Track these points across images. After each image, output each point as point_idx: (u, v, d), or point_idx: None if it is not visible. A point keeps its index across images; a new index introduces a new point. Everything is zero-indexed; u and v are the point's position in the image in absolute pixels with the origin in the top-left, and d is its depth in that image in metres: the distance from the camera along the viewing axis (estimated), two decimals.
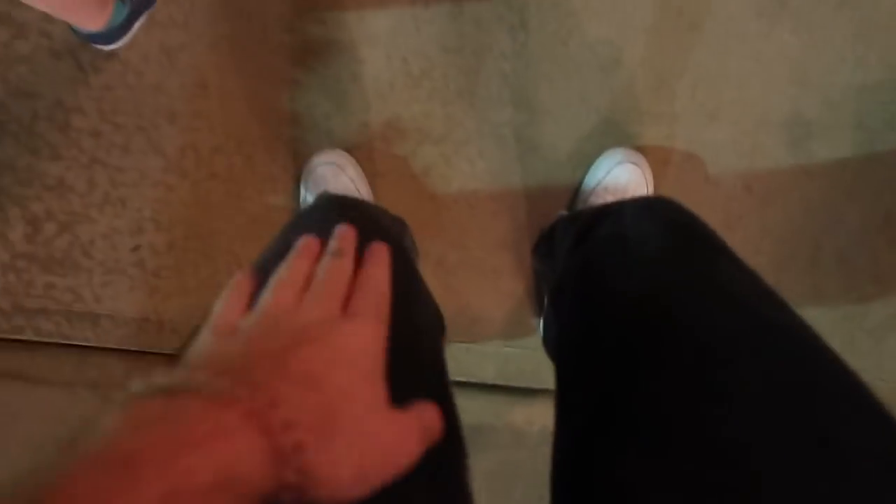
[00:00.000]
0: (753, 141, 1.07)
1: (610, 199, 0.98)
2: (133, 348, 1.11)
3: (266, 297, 0.36)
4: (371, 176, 1.05)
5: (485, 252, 1.08)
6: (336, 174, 0.99)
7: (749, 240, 1.10)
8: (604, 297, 0.53)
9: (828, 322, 1.13)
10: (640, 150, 1.05)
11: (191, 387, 0.26)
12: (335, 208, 0.51)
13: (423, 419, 0.34)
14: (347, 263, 0.41)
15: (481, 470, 1.13)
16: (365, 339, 0.34)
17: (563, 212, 1.02)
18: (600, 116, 1.05)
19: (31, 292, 1.09)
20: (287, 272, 0.39)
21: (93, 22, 0.89)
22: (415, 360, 0.44)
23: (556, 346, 0.65)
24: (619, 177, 1.00)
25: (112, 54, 1.00)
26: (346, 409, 0.30)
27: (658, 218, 0.59)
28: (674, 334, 0.43)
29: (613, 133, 1.05)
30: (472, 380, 1.12)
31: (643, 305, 0.47)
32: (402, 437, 0.32)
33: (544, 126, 1.05)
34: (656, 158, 1.06)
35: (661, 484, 0.36)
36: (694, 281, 0.48)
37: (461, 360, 1.12)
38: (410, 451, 0.33)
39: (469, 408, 1.11)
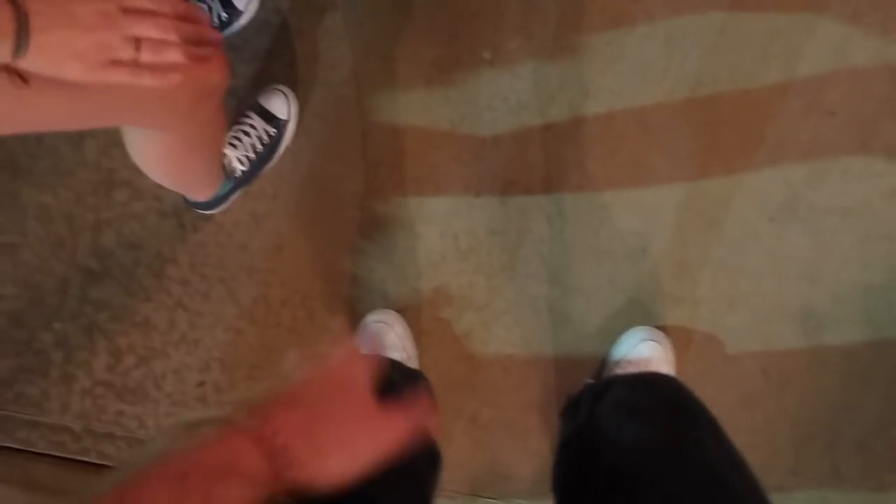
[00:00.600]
0: (769, 328, 1.17)
1: (633, 371, 1.08)
2: None
3: None
4: (417, 334, 1.17)
5: (516, 412, 1.17)
6: (386, 331, 1.12)
7: (767, 420, 1.16)
8: (598, 449, 0.67)
9: None
10: (663, 329, 1.15)
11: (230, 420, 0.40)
12: None
13: (410, 422, 0.45)
14: None
15: None
16: (356, 370, 0.47)
17: (590, 380, 1.11)
18: (626, 297, 1.17)
19: (102, 417, 1.20)
20: None
21: (202, 195, 1.07)
22: None
23: (556, 486, 0.77)
24: (643, 353, 1.10)
25: (210, 217, 1.19)
26: (333, 421, 0.42)
27: (652, 391, 0.75)
28: (647, 485, 0.56)
29: (639, 312, 1.16)
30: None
31: (626, 459, 0.60)
32: (384, 435, 0.44)
33: (576, 302, 1.17)
34: (678, 338, 1.16)
35: None
36: (669, 444, 0.61)
37: None
38: (392, 444, 0.44)
39: None
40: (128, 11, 0.53)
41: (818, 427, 1.17)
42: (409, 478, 0.54)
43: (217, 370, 1.20)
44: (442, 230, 1.18)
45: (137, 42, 0.54)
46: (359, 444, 0.43)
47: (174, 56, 0.57)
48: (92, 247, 1.20)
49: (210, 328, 1.19)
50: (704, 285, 1.17)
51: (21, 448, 1.20)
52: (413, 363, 1.12)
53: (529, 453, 1.17)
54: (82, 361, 1.20)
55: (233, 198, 1.16)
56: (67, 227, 1.20)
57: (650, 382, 0.82)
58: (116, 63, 0.54)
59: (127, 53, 0.54)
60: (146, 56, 0.55)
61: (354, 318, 1.18)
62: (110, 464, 1.20)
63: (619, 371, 1.10)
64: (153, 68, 0.56)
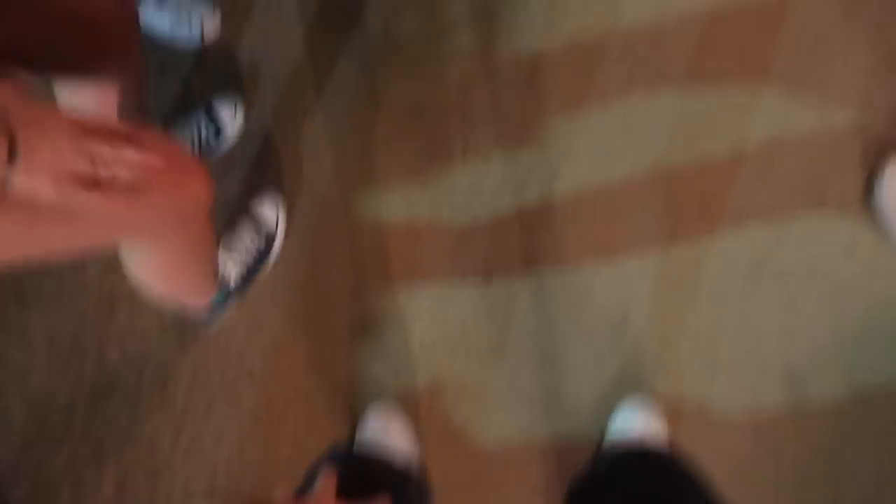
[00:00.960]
0: (754, 390, 1.21)
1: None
2: None
3: None
4: (416, 426, 1.20)
5: (520, 500, 1.19)
6: (385, 427, 1.15)
7: (768, 483, 1.18)
8: None
9: None
10: (655, 399, 1.19)
11: None
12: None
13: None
14: None
15: None
16: None
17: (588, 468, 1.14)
18: (615, 371, 1.21)
19: None
20: None
21: (200, 302, 1.12)
22: None
23: None
24: (636, 428, 1.13)
25: (208, 332, 1.24)
26: None
27: (646, 465, 0.80)
28: None
29: (629, 384, 1.20)
30: None
31: None
32: None
33: (566, 379, 1.21)
34: (668, 408, 1.19)
35: None
36: None
37: None
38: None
39: None
40: (89, 134, 0.60)
41: (819, 487, 1.18)
42: None
43: (223, 476, 1.22)
44: (432, 317, 1.24)
45: (99, 161, 0.61)
46: None
47: (129, 174, 0.63)
48: (97, 365, 1.24)
49: (216, 438, 1.22)
50: (686, 354, 1.22)
51: None
52: (414, 457, 1.15)
53: None
54: (92, 481, 1.22)
55: (229, 307, 1.21)
56: (73, 347, 1.24)
57: (646, 457, 0.88)
58: (80, 181, 0.60)
59: (88, 171, 0.60)
60: (103, 172, 0.61)
61: (354, 415, 1.21)
62: None
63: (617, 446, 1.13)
64: (111, 185, 0.62)
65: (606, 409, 1.19)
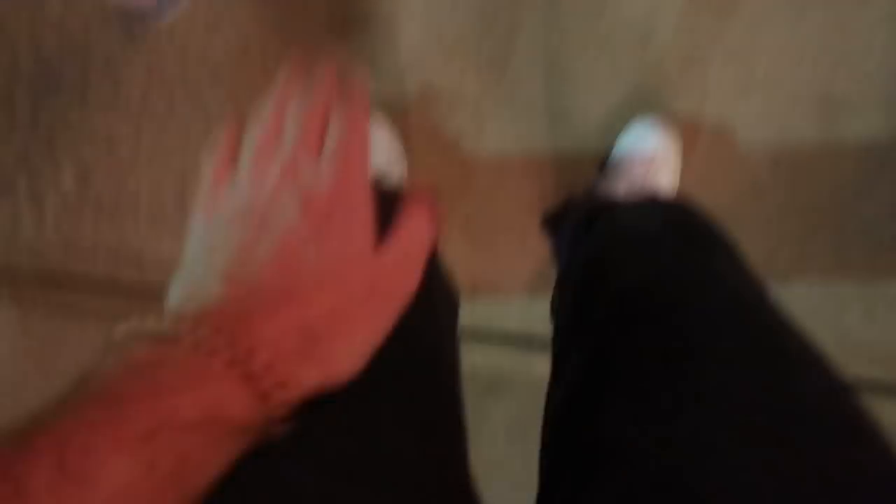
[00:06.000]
0: (783, 117, 1.08)
1: (638, 167, 1.00)
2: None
3: (242, 173, 0.34)
4: (405, 138, 1.08)
5: (512, 213, 1.11)
6: (372, 133, 1.03)
7: (774, 210, 1.11)
8: (602, 281, 0.57)
9: (851, 292, 1.14)
10: (671, 119, 1.06)
11: (172, 335, 0.27)
12: None
13: (411, 237, 0.33)
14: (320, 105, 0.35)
15: (501, 419, 1.16)
16: (341, 199, 0.31)
17: (594, 176, 1.04)
18: (631, 88, 1.07)
19: (81, 233, 1.14)
20: (261, 133, 0.35)
21: None
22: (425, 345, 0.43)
23: (555, 315, 0.69)
24: (648, 146, 1.02)
25: (160, 27, 1.05)
26: (333, 311, 0.29)
27: (659, 215, 0.63)
28: (664, 310, 0.47)
29: (644, 103, 1.07)
30: (497, 331, 1.15)
31: (631, 298, 0.50)
32: (393, 284, 0.32)
33: (574, 95, 1.07)
34: (687, 129, 1.07)
35: (637, 436, 0.38)
36: (686, 273, 0.51)
37: (486, 313, 1.15)
38: (406, 284, 0.32)
39: (491, 358, 1.14)
40: None
41: (826, 216, 1.11)
42: (428, 335, 0.42)
43: (194, 182, 1.12)
44: (424, 25, 1.06)
45: None
46: (365, 314, 0.30)
47: None
48: (33, 58, 1.07)
49: (182, 143, 1.10)
50: (715, 74, 1.07)
51: (4, 268, 1.16)
52: (401, 165, 1.04)
53: (527, 252, 1.12)
54: (51, 180, 1.12)
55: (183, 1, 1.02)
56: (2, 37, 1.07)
57: (657, 208, 0.68)
58: None
59: None
60: None
61: None
62: (101, 278, 1.16)
63: (622, 167, 1.03)
64: None
65: (616, 128, 1.06)
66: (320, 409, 0.30)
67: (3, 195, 1.11)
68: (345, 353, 0.29)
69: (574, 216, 0.84)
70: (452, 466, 0.41)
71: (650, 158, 1.01)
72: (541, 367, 1.14)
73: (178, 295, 0.31)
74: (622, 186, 0.99)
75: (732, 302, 0.45)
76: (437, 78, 1.07)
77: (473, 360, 1.13)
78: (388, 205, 0.34)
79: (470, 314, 1.14)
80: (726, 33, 1.06)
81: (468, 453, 0.44)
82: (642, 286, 0.51)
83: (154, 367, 0.25)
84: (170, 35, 1.07)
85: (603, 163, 1.07)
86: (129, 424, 0.23)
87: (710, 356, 0.40)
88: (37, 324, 1.17)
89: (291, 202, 0.31)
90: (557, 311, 0.68)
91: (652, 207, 0.69)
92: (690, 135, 1.07)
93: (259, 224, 0.31)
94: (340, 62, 0.37)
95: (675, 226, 0.60)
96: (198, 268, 0.31)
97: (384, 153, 1.02)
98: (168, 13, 1.03)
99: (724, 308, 0.45)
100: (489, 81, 1.07)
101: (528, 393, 1.14)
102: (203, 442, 0.25)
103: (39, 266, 1.14)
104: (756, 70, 1.07)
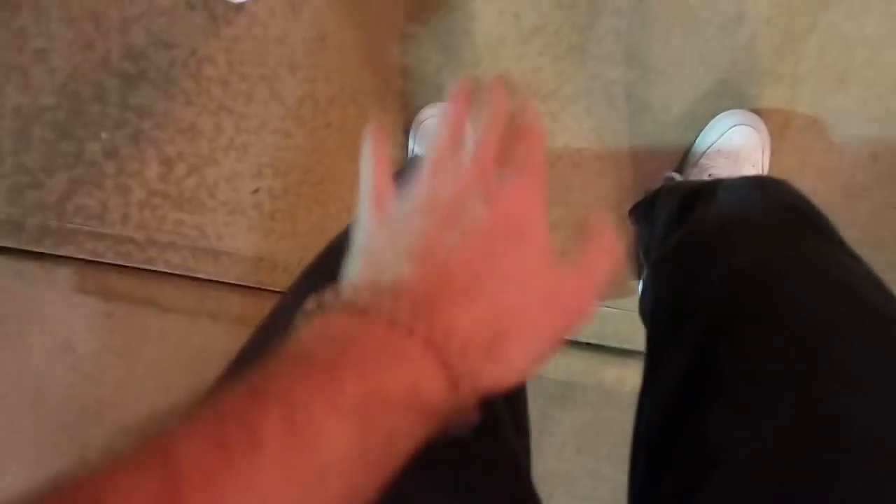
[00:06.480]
0: (885, 108, 1.01)
1: (722, 162, 0.96)
2: (249, 284, 1.20)
3: (421, 183, 0.33)
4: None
5: (586, 210, 1.08)
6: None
7: (874, 212, 1.04)
8: (705, 268, 0.53)
9: None
10: (759, 112, 1.01)
11: (372, 308, 0.26)
12: None
13: (593, 261, 0.33)
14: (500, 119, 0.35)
15: (570, 426, 1.15)
16: (524, 208, 0.31)
17: (671, 173, 1.00)
18: (717, 77, 1.02)
19: (162, 227, 1.19)
20: (438, 147, 0.35)
21: None
22: None
23: (651, 309, 0.65)
24: (734, 140, 0.97)
25: (241, 7, 1.06)
26: (515, 311, 0.29)
27: (767, 197, 0.58)
28: (775, 308, 0.43)
29: (730, 94, 1.01)
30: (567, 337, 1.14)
31: (746, 278, 0.47)
32: (571, 299, 0.31)
33: (657, 85, 1.03)
34: (775, 122, 1.01)
35: (752, 442, 0.36)
36: (800, 261, 0.47)
37: None
38: (584, 302, 0.32)
39: (562, 365, 1.13)
40: None
41: None
42: None
43: (270, 176, 1.14)
44: (501, 8, 1.03)
45: None
46: (542, 322, 0.30)
47: None
48: (123, 48, 1.11)
49: (257, 132, 1.12)
50: (810, 58, 1.00)
51: (91, 259, 1.22)
52: None
53: None
54: (135, 172, 1.16)
55: None
56: (94, 27, 1.10)
57: (763, 187, 0.62)
58: None
59: None
60: None
61: (408, 113, 1.08)
62: (178, 272, 1.21)
63: (707, 163, 0.98)
64: None
65: (700, 121, 1.01)
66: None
67: (93, 188, 1.17)
68: (519, 357, 0.29)
69: (669, 200, 0.80)
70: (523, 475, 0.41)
71: (736, 153, 0.96)
72: (611, 374, 1.13)
73: (358, 273, 0.31)
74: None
75: (858, 305, 0.42)
76: (513, 65, 1.05)
77: (541, 368, 1.12)
78: None
79: None
80: (824, 16, 0.99)
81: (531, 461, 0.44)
82: (756, 268, 0.47)
83: (354, 339, 0.25)
84: (250, 24, 1.08)
85: (684, 158, 1.02)
86: (341, 392, 0.22)
87: (835, 371, 0.37)
88: (120, 317, 1.24)
89: (477, 203, 0.31)
90: (653, 303, 0.64)
91: (757, 185, 0.64)
92: (780, 127, 1.01)
93: (446, 217, 0.30)
94: (507, 82, 0.38)
95: (783, 206, 0.56)
96: (382, 249, 0.31)
97: None
98: None
99: (849, 312, 0.41)
100: (567, 69, 1.04)
101: (598, 402, 1.12)
102: (406, 423, 0.24)
103: (124, 259, 1.20)
104: (855, 57, 1.00)
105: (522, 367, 0.29)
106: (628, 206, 1.06)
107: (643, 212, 0.94)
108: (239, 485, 0.19)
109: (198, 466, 0.19)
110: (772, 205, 0.56)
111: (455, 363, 0.26)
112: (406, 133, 1.08)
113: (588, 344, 1.13)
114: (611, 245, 0.33)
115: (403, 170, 0.86)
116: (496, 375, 0.28)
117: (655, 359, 0.54)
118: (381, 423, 0.23)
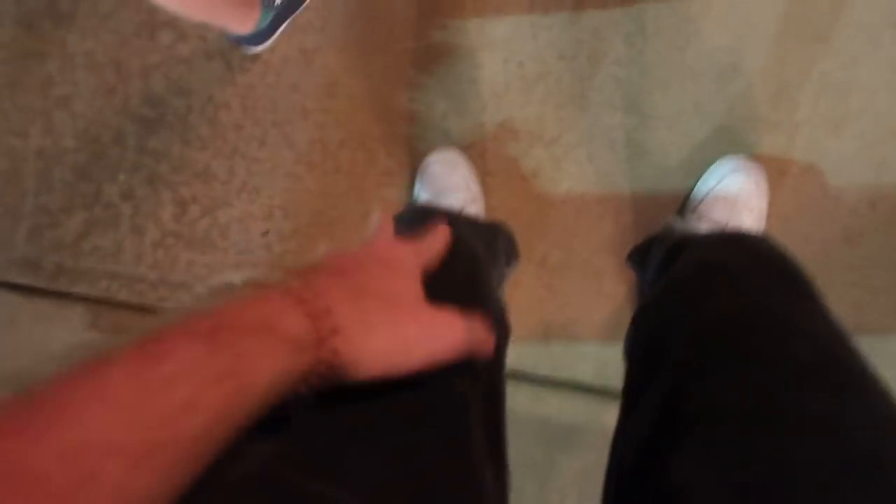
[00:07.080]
0: (881, 154, 1.03)
1: (721, 207, 0.98)
2: None
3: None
4: (482, 174, 1.10)
5: (589, 254, 1.10)
6: (449, 172, 1.05)
7: (869, 257, 1.05)
8: (681, 313, 0.55)
9: None
10: (757, 159, 1.03)
11: (287, 286, 0.34)
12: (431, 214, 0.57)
13: (468, 325, 0.39)
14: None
15: (573, 469, 1.15)
16: (403, 253, 0.42)
17: (671, 217, 1.02)
18: (715, 124, 1.04)
19: (174, 267, 1.22)
20: None
21: (241, 26, 1.00)
22: None
23: (629, 350, 0.67)
24: (732, 186, 0.99)
25: (257, 56, 1.11)
26: (380, 298, 0.37)
27: (745, 251, 0.61)
28: (744, 354, 0.45)
29: (728, 141, 1.04)
30: (569, 380, 1.14)
31: (718, 324, 0.49)
32: (436, 329, 0.38)
33: (656, 132, 1.05)
34: (773, 169, 1.04)
35: (714, 480, 0.37)
36: (771, 311, 0.49)
37: (559, 359, 1.14)
38: (445, 344, 0.38)
39: (565, 408, 1.13)
40: None
41: None
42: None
43: (280, 218, 1.18)
44: (505, 57, 1.07)
45: None
46: (408, 329, 0.37)
47: None
48: (143, 94, 1.16)
49: (269, 175, 1.16)
50: (806, 106, 1.03)
51: (104, 298, 1.25)
52: (478, 204, 1.06)
53: (603, 296, 1.11)
54: (150, 213, 1.20)
55: (279, 32, 1.08)
56: (116, 74, 1.16)
57: (741, 242, 0.66)
58: None
59: None
60: None
61: (415, 158, 1.11)
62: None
63: (705, 208, 1.01)
64: None
65: (699, 167, 1.04)
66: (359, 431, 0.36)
67: (109, 228, 1.20)
68: (383, 337, 0.35)
69: (660, 249, 0.84)
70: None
71: (734, 199, 0.99)
72: (614, 418, 1.13)
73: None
74: (704, 229, 0.96)
75: (821, 355, 0.44)
76: (516, 112, 1.08)
77: (544, 411, 1.13)
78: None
79: (541, 361, 1.14)
80: (819, 64, 1.02)
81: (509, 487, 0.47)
82: (728, 315, 0.49)
83: (253, 298, 0.32)
84: (264, 72, 1.13)
85: (683, 203, 1.05)
86: (197, 324, 0.29)
87: (797, 416, 0.39)
88: None
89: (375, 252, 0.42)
90: (632, 345, 0.67)
91: (736, 240, 0.68)
92: (778, 173, 1.04)
93: (362, 257, 0.41)
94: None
95: (759, 259, 0.58)
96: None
97: (463, 191, 1.04)
98: (264, 41, 1.09)
99: (813, 362, 0.43)
100: (568, 117, 1.07)
101: (602, 447, 1.12)
102: (259, 344, 0.30)
103: (136, 299, 1.23)
104: (851, 103, 1.02)
105: (383, 347, 0.35)
106: (629, 248, 1.08)
107: (639, 257, 0.96)
108: (92, 393, 0.26)
109: (61, 384, 0.26)
110: (749, 257, 0.59)
111: (315, 305, 0.33)
112: (412, 177, 1.11)
113: (590, 387, 1.14)
114: (460, 329, 0.39)
115: (403, 213, 0.90)
116: (361, 344, 0.34)
117: (631, 400, 0.55)
118: (227, 341, 0.29)
